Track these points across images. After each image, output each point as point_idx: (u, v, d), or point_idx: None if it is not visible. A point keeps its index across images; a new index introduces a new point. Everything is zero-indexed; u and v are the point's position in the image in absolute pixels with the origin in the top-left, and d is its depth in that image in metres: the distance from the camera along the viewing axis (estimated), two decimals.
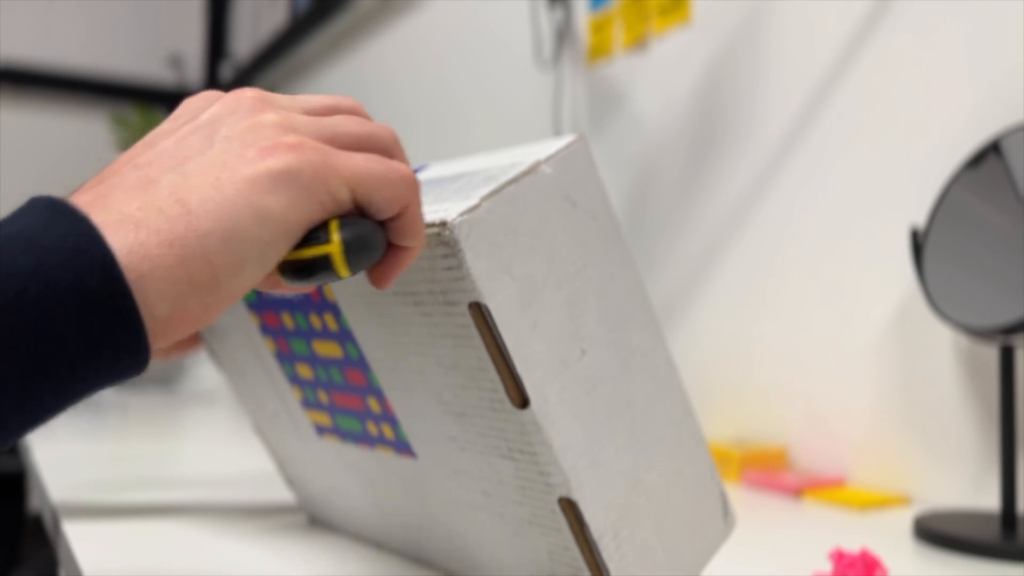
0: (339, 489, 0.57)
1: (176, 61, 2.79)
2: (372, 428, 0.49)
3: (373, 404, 0.48)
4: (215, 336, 0.59)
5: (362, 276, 0.41)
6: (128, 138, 2.31)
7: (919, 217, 0.79)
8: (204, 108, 0.35)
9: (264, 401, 0.59)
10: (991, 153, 0.67)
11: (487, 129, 1.46)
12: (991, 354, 0.74)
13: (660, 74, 1.09)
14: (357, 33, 1.98)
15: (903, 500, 0.78)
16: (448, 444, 0.44)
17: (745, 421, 0.96)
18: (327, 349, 0.48)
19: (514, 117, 1.38)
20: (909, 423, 0.80)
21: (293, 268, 0.34)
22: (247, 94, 0.35)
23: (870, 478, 0.83)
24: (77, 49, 2.67)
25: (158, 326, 0.30)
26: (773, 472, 0.85)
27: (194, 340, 0.62)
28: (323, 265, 0.33)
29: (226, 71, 2.72)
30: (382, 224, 0.35)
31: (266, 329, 0.53)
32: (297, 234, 0.33)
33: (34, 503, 1.78)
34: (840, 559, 0.49)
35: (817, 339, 0.88)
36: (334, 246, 0.33)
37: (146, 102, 2.66)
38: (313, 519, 0.64)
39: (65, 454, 0.89)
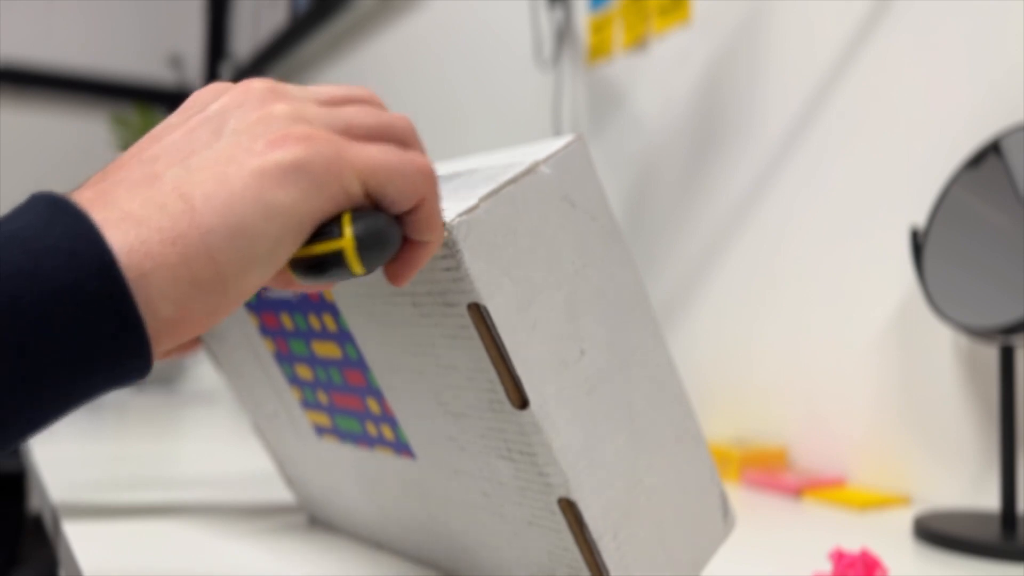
0: (339, 489, 0.57)
1: (176, 61, 2.79)
2: (371, 429, 0.49)
3: (372, 405, 0.48)
4: (214, 337, 0.59)
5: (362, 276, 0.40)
6: (128, 138, 2.31)
7: (919, 217, 0.79)
8: (213, 100, 0.34)
9: (263, 401, 0.59)
10: (991, 153, 0.67)
11: (487, 129, 1.46)
12: (991, 354, 0.74)
13: (660, 74, 1.09)
14: (357, 33, 1.98)
15: (903, 500, 0.78)
16: (447, 445, 0.44)
17: (745, 421, 0.96)
18: (326, 350, 0.48)
19: (514, 117, 1.38)
20: (909, 423, 0.80)
21: (304, 265, 0.32)
22: (257, 85, 0.34)
23: (870, 478, 0.83)
24: (77, 49, 2.67)
25: (162, 328, 0.29)
26: (773, 472, 0.85)
27: (194, 341, 0.62)
28: (335, 261, 0.32)
29: (226, 71, 2.72)
30: (398, 218, 0.34)
31: (265, 330, 0.52)
32: (307, 229, 0.31)
33: (34, 503, 1.78)
34: (840, 559, 0.49)
35: (817, 339, 0.88)
36: (346, 241, 0.32)
37: (146, 102, 2.66)
38: (313, 519, 0.64)
39: (65, 454, 0.89)
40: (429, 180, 0.34)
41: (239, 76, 2.50)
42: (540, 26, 1.30)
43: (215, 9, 2.76)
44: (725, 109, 1.00)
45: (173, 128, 0.33)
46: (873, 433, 0.83)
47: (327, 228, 0.32)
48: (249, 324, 0.54)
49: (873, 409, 0.83)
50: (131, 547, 0.55)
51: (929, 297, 0.69)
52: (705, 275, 1.02)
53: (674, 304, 1.06)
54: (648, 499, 0.43)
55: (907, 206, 0.81)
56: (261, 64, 2.32)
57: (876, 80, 0.84)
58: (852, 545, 0.62)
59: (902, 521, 0.71)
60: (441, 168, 0.47)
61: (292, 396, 0.55)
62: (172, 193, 0.30)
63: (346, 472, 0.55)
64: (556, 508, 0.40)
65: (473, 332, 0.38)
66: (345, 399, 0.50)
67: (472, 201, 0.37)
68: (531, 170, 0.39)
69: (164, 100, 2.72)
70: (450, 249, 0.36)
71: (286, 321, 0.50)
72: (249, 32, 2.66)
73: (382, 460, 0.50)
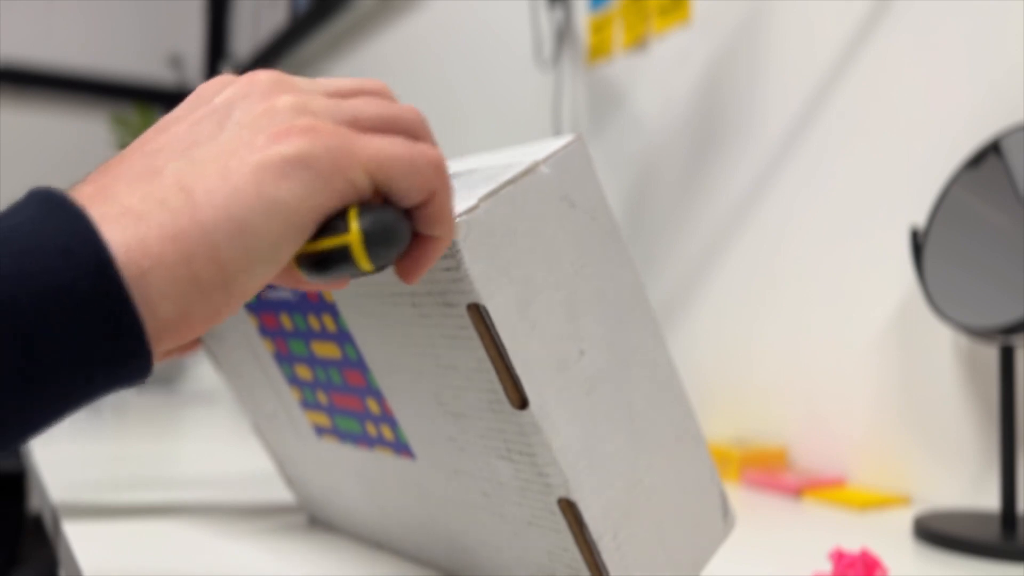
0: (339, 489, 0.57)
1: (176, 61, 2.79)
2: (371, 429, 0.49)
3: (372, 405, 0.48)
4: (213, 337, 0.59)
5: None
6: (128, 138, 2.31)
7: (919, 217, 0.79)
8: (218, 92, 0.33)
9: (262, 402, 0.59)
10: (991, 153, 0.67)
11: (487, 129, 1.46)
12: (991, 354, 0.74)
13: (660, 74, 1.09)
14: (357, 33, 1.98)
15: (903, 500, 0.78)
16: (447, 445, 0.44)
17: (745, 421, 0.96)
18: (326, 350, 0.48)
19: (514, 117, 1.38)
20: (909, 423, 0.80)
21: (310, 261, 0.31)
22: (263, 77, 0.33)
23: (870, 478, 0.82)
24: (77, 49, 2.67)
25: (162, 328, 0.28)
26: (773, 472, 0.85)
27: (194, 341, 0.62)
28: (342, 257, 0.31)
29: (226, 71, 2.72)
30: (408, 213, 0.33)
31: (264, 330, 0.52)
32: (311, 225, 0.30)
33: (34, 503, 1.78)
34: (840, 559, 0.49)
35: (817, 339, 0.88)
36: (353, 236, 0.30)
37: (146, 102, 2.66)
38: (313, 519, 0.64)
39: (65, 454, 0.89)
40: (440, 172, 0.32)
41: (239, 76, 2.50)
42: (540, 26, 1.30)
43: (215, 9, 2.76)
44: (725, 109, 1.00)
45: (177, 121, 0.32)
46: (873, 433, 0.83)
47: (334, 223, 0.31)
48: (248, 324, 0.54)
49: (873, 409, 0.83)
50: (131, 547, 0.55)
51: (929, 297, 0.69)
52: (705, 275, 1.02)
53: (674, 304, 1.06)
54: (648, 499, 0.43)
55: (907, 206, 0.81)
56: (261, 64, 2.32)
57: (876, 80, 0.84)
58: (852, 545, 0.62)
59: (902, 521, 0.71)
60: None
61: (292, 396, 0.55)
62: (173, 187, 0.29)
63: (346, 472, 0.55)
64: (556, 508, 0.40)
65: (473, 332, 0.38)
66: (345, 399, 0.50)
67: (472, 201, 0.37)
68: (531, 170, 0.39)
69: (164, 100, 2.72)
70: (450, 249, 0.36)
71: (285, 321, 0.50)
72: (249, 32, 2.66)
73: (382, 460, 0.50)
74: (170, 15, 2.80)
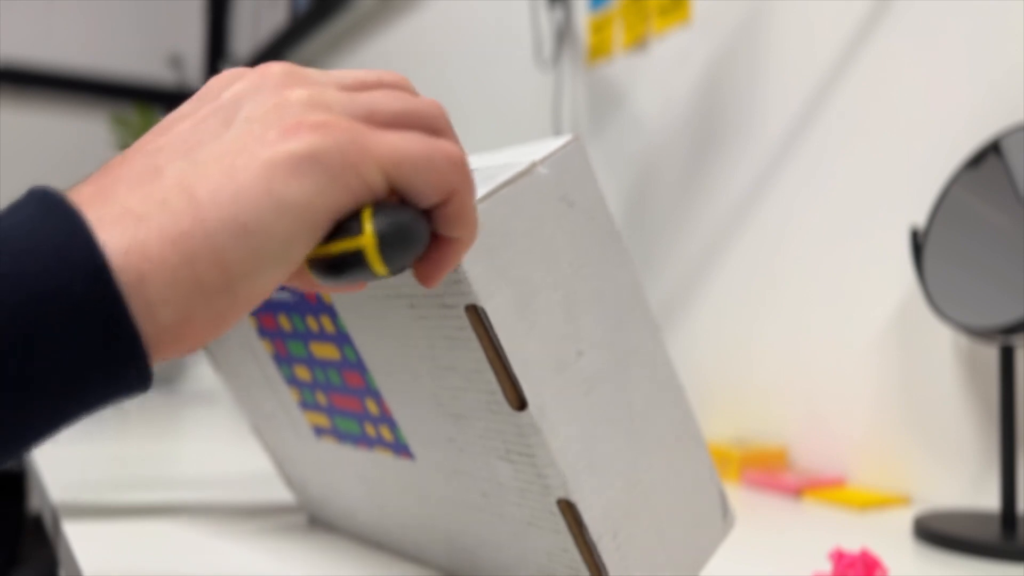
0: (338, 489, 0.57)
1: (176, 61, 2.79)
2: (370, 430, 0.49)
3: (371, 406, 0.48)
4: None
5: None
6: (128, 138, 2.31)
7: (919, 217, 0.79)
8: (227, 86, 0.31)
9: (261, 402, 0.59)
10: (991, 153, 0.67)
11: (487, 129, 1.46)
12: (991, 354, 0.73)
13: (660, 74, 1.09)
14: (357, 33, 1.98)
15: (903, 500, 0.78)
16: (446, 446, 0.44)
17: (745, 421, 0.96)
18: (324, 351, 0.48)
19: (514, 117, 1.38)
20: (909, 423, 0.80)
21: (322, 265, 0.30)
22: (275, 69, 0.31)
23: (870, 478, 0.82)
24: (77, 49, 2.67)
25: (163, 335, 0.27)
26: (773, 472, 0.85)
27: None
28: (355, 261, 0.29)
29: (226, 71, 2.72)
30: (426, 213, 0.31)
31: (263, 331, 0.52)
32: (323, 226, 0.29)
33: (34, 503, 1.78)
34: (840, 559, 0.49)
35: (817, 339, 0.88)
36: (367, 239, 0.29)
37: (146, 102, 2.66)
38: (313, 519, 0.64)
39: (65, 454, 0.89)
40: (460, 170, 0.31)
41: None
42: (540, 26, 1.30)
43: (215, 9, 2.76)
44: (725, 109, 1.00)
45: (183, 118, 0.30)
46: (873, 433, 0.83)
47: (348, 224, 0.29)
48: (247, 325, 0.54)
49: (873, 409, 0.83)
50: (131, 547, 0.55)
51: (929, 297, 0.69)
52: (705, 275, 1.02)
53: (674, 304, 1.06)
54: (647, 499, 0.43)
55: (907, 206, 0.81)
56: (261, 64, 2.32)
57: (876, 80, 0.84)
58: (852, 545, 0.62)
59: (902, 521, 0.71)
60: None
61: (291, 397, 0.55)
62: (175, 188, 0.27)
63: (345, 473, 0.55)
64: (555, 509, 0.40)
65: (471, 334, 0.38)
66: (344, 400, 0.50)
67: None
68: (528, 171, 0.38)
69: (164, 100, 2.72)
70: None
71: (284, 322, 0.50)
72: (249, 32, 2.66)
73: (381, 461, 0.50)
74: (170, 15, 2.80)
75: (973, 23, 0.76)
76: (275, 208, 0.27)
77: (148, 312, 0.26)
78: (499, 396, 0.39)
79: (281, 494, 0.73)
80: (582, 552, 0.41)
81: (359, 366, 0.46)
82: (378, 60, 1.88)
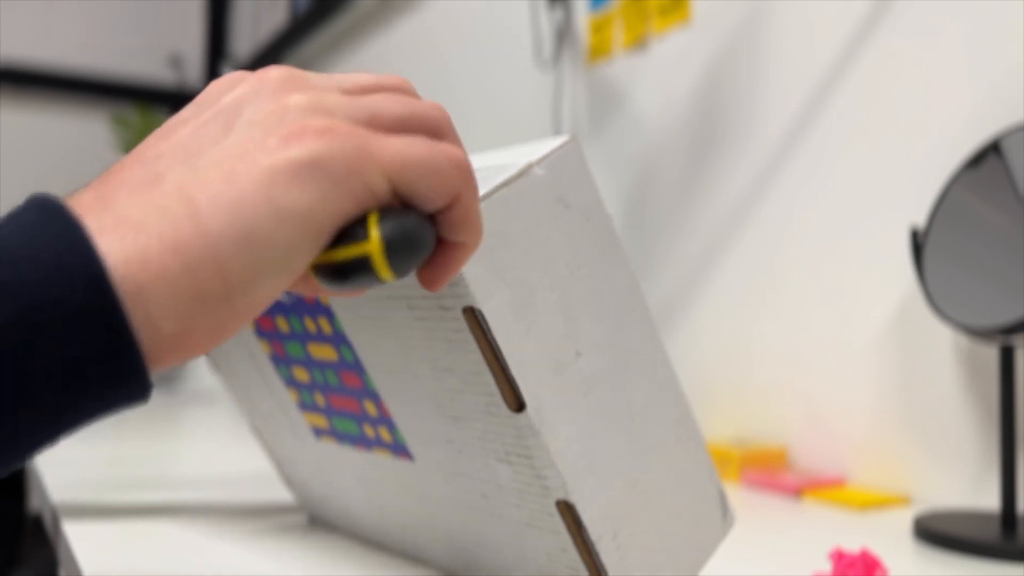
0: (338, 490, 0.57)
1: (176, 61, 2.79)
2: (369, 431, 0.49)
3: (370, 407, 0.48)
4: None
5: None
6: (128, 138, 2.31)
7: (919, 217, 0.79)
8: (227, 91, 0.31)
9: (260, 403, 0.59)
10: (991, 153, 0.67)
11: (487, 129, 1.46)
12: (991, 354, 0.73)
13: (660, 74, 1.09)
14: (357, 33, 1.98)
15: (903, 500, 0.78)
16: (445, 447, 0.44)
17: (745, 421, 0.96)
18: (322, 352, 0.48)
19: (514, 117, 1.38)
20: (909, 423, 0.80)
21: (327, 271, 0.29)
22: (275, 73, 0.31)
23: (870, 478, 0.82)
24: (77, 49, 2.67)
25: (163, 344, 0.27)
26: (773, 472, 0.85)
27: None
28: (361, 267, 0.29)
29: (226, 71, 2.72)
30: (431, 217, 0.31)
31: (261, 332, 0.52)
32: (327, 233, 0.28)
33: (34, 503, 1.78)
34: (840, 559, 0.49)
35: (817, 339, 0.88)
36: (373, 244, 0.28)
37: (146, 102, 2.66)
38: (313, 519, 0.64)
39: (65, 454, 0.89)
40: (464, 174, 0.30)
41: None
42: (540, 26, 1.30)
43: (215, 9, 2.76)
44: (725, 109, 1.00)
45: (183, 123, 0.30)
46: (873, 433, 0.83)
47: (352, 230, 0.29)
48: (245, 326, 0.54)
49: (873, 409, 0.83)
50: (131, 547, 0.55)
51: (929, 297, 0.69)
52: (705, 275, 1.02)
53: (674, 304, 1.06)
54: (647, 499, 0.43)
55: (907, 206, 0.80)
56: (261, 64, 2.32)
57: (876, 80, 0.84)
58: (852, 545, 0.62)
59: (902, 521, 0.71)
60: None
61: (289, 398, 0.55)
62: (175, 195, 0.27)
63: (345, 473, 0.55)
64: (554, 510, 0.40)
65: (469, 336, 0.38)
66: (342, 401, 0.50)
67: None
68: (524, 172, 0.38)
69: (164, 100, 2.72)
70: None
71: (281, 324, 0.50)
72: (249, 32, 2.66)
73: (380, 462, 0.50)
74: (170, 15, 2.80)
75: (973, 23, 0.76)
76: (276, 216, 0.27)
77: (148, 321, 0.26)
78: (497, 398, 0.39)
79: (281, 494, 0.73)
80: (581, 553, 0.41)
81: (357, 367, 0.46)
82: (378, 60, 1.88)
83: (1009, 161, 0.66)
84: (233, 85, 0.31)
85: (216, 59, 2.76)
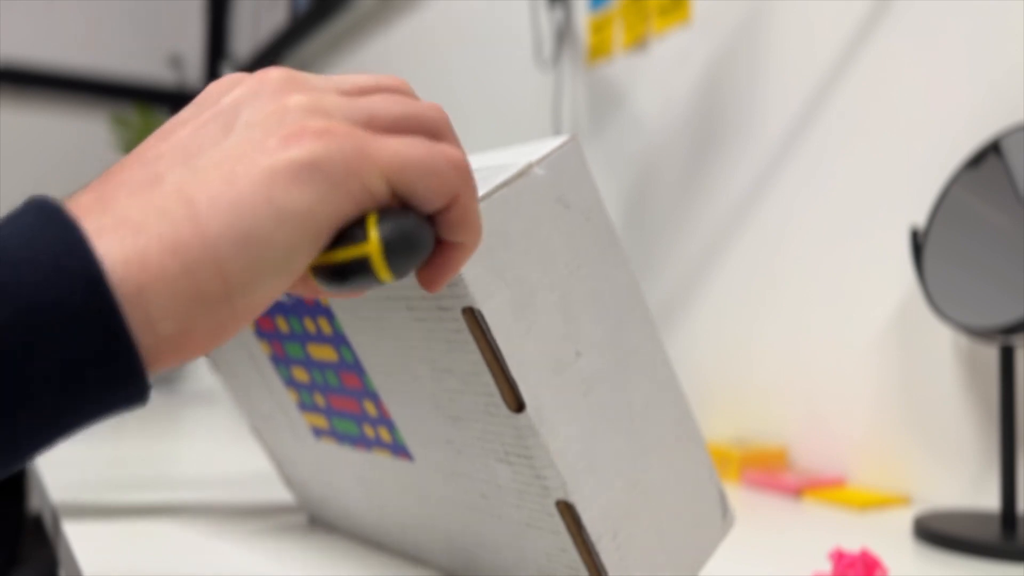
0: (338, 490, 0.57)
1: (176, 61, 2.79)
2: (369, 431, 0.49)
3: (369, 407, 0.48)
4: None
5: None
6: (128, 138, 2.31)
7: (919, 217, 0.79)
8: (226, 92, 0.31)
9: (260, 403, 0.59)
10: (991, 153, 0.67)
11: (487, 129, 1.46)
12: (991, 354, 0.73)
13: (660, 74, 1.09)
14: (357, 33, 1.98)
15: (903, 500, 0.78)
16: (445, 447, 0.44)
17: (745, 421, 0.96)
18: (322, 353, 0.48)
19: (514, 117, 1.38)
20: (909, 423, 0.80)
21: (327, 272, 0.29)
22: (274, 75, 0.31)
23: (870, 478, 0.82)
24: (77, 49, 2.67)
25: (163, 345, 0.26)
26: (773, 472, 0.85)
27: None
28: (361, 268, 0.29)
29: (226, 71, 2.72)
30: (430, 218, 0.31)
31: (261, 333, 0.52)
32: (326, 234, 0.28)
33: (34, 503, 1.78)
34: (840, 559, 0.49)
35: (817, 339, 0.88)
36: (372, 245, 0.29)
37: (146, 102, 2.66)
38: (313, 519, 0.64)
39: (65, 454, 0.89)
40: (463, 174, 0.30)
41: None
42: (540, 26, 1.30)
43: (215, 9, 2.76)
44: (725, 109, 1.00)
45: (183, 124, 0.30)
46: (873, 433, 0.83)
47: (351, 231, 0.29)
48: (244, 326, 0.54)
49: (873, 409, 0.83)
50: (131, 547, 0.55)
51: (929, 297, 0.69)
52: (705, 275, 1.02)
53: (674, 304, 1.06)
54: (647, 499, 0.43)
55: (907, 206, 0.80)
56: (261, 64, 2.32)
57: (876, 80, 0.84)
58: (852, 545, 0.62)
59: (902, 521, 0.71)
60: None
61: (289, 398, 0.55)
62: (174, 196, 0.27)
63: (345, 473, 0.55)
64: (554, 510, 0.40)
65: (468, 336, 0.38)
66: (342, 402, 0.50)
67: None
68: (524, 172, 0.38)
69: (164, 100, 2.72)
70: None
71: (281, 324, 0.50)
72: (249, 32, 2.66)
73: (380, 462, 0.50)
74: (170, 15, 2.80)
75: (973, 23, 0.76)
76: (276, 217, 0.27)
77: (147, 323, 0.26)
78: (497, 399, 0.39)
79: (281, 494, 0.73)
80: (581, 553, 0.41)
81: (356, 368, 0.46)
82: (378, 60, 1.88)
83: (1009, 161, 0.66)
84: (232, 86, 0.31)
85: (216, 59, 2.76)
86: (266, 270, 0.27)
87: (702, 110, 1.03)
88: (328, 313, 0.45)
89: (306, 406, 0.53)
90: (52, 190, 2.59)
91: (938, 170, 0.78)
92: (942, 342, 0.77)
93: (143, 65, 2.75)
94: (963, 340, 0.76)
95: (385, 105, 0.31)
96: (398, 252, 0.29)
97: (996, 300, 0.64)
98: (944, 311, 0.67)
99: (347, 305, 0.43)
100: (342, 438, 0.52)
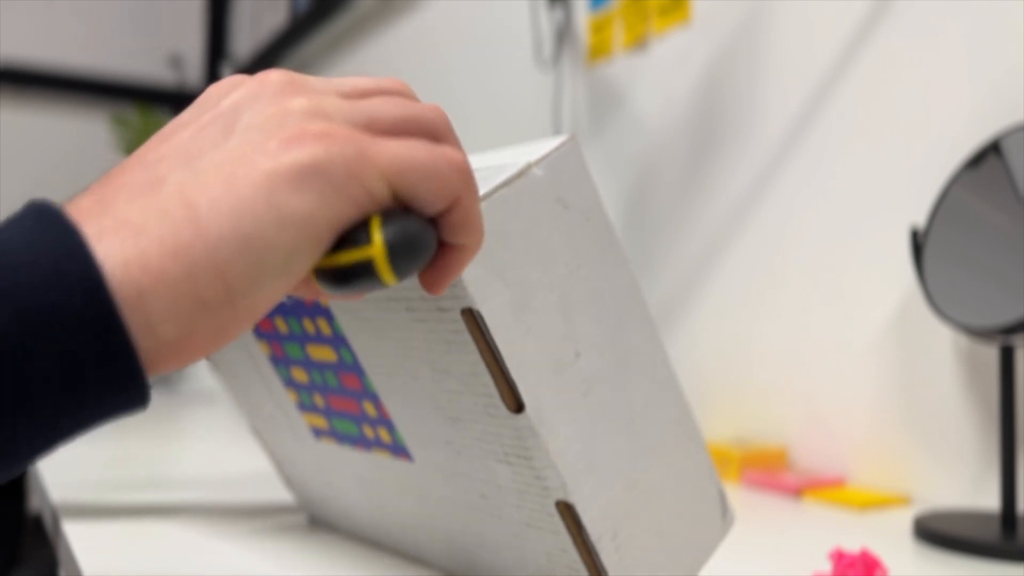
0: (338, 490, 0.57)
1: (176, 61, 2.79)
2: (368, 431, 0.49)
3: (369, 408, 0.48)
4: None
5: None
6: (128, 138, 2.31)
7: (919, 217, 0.79)
8: (227, 94, 0.31)
9: (259, 403, 0.59)
10: (991, 153, 0.67)
11: (487, 129, 1.46)
12: (991, 354, 0.73)
13: (660, 74, 1.09)
14: (357, 33, 1.98)
15: (903, 500, 0.78)
16: (445, 448, 0.44)
17: (745, 421, 0.96)
18: (321, 353, 0.48)
19: (514, 117, 1.38)
20: (909, 423, 0.80)
21: (330, 275, 0.29)
22: (274, 77, 0.31)
23: (870, 478, 0.82)
24: (77, 49, 2.67)
25: (163, 349, 0.26)
26: (773, 472, 0.85)
27: None
28: (364, 271, 0.29)
29: (226, 71, 2.72)
30: (432, 220, 0.31)
31: (260, 333, 0.52)
32: (327, 237, 0.28)
33: (34, 503, 1.78)
34: (840, 559, 0.49)
35: (817, 339, 0.88)
36: (376, 248, 0.29)
37: (146, 102, 2.66)
38: (313, 519, 0.64)
39: (65, 454, 0.89)
40: (464, 176, 0.30)
41: None
42: (540, 26, 1.30)
43: (215, 9, 2.76)
44: (725, 109, 1.00)
45: (183, 126, 0.30)
46: (873, 433, 0.83)
47: (354, 234, 0.29)
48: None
49: (873, 409, 0.83)
50: (131, 547, 0.55)
51: (929, 297, 0.69)
52: (705, 275, 1.02)
53: (674, 304, 1.06)
54: (647, 499, 0.43)
55: (907, 206, 0.80)
56: (261, 64, 2.32)
57: (876, 80, 0.84)
58: (852, 545, 0.62)
59: (902, 521, 0.71)
60: None
61: (288, 399, 0.55)
62: (175, 199, 0.27)
63: (344, 473, 0.55)
64: (554, 511, 0.40)
65: (467, 337, 0.38)
66: (341, 402, 0.50)
67: None
68: (523, 172, 0.38)
69: (164, 100, 2.72)
70: None
71: (280, 325, 0.50)
72: (249, 32, 2.66)
73: (380, 462, 0.50)
74: (170, 15, 2.80)
75: (973, 23, 0.76)
76: (277, 220, 0.27)
77: (147, 327, 0.26)
78: (496, 399, 0.38)
79: (281, 494, 0.73)
80: (581, 553, 0.41)
81: (356, 368, 0.46)
82: (378, 61, 1.88)
83: (1009, 161, 0.66)
84: (232, 88, 0.31)
85: (216, 59, 2.76)
86: (267, 273, 0.27)
87: (702, 110, 1.03)
88: (327, 314, 0.45)
89: (305, 406, 0.53)
90: (52, 190, 2.59)
91: (938, 170, 0.78)
92: (942, 342, 0.77)
93: (143, 65, 2.75)
94: (963, 340, 0.76)
95: (385, 107, 0.31)
96: (402, 255, 0.29)
97: (996, 300, 0.64)
98: (944, 311, 0.67)
99: (346, 306, 0.43)
100: (342, 438, 0.52)
